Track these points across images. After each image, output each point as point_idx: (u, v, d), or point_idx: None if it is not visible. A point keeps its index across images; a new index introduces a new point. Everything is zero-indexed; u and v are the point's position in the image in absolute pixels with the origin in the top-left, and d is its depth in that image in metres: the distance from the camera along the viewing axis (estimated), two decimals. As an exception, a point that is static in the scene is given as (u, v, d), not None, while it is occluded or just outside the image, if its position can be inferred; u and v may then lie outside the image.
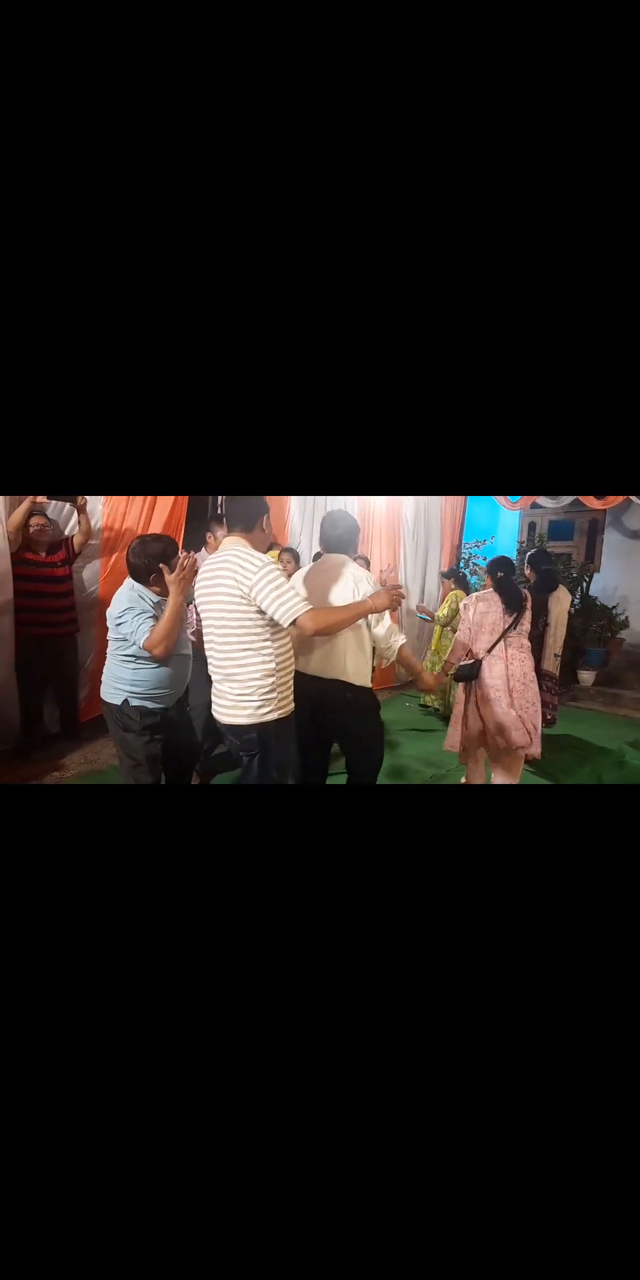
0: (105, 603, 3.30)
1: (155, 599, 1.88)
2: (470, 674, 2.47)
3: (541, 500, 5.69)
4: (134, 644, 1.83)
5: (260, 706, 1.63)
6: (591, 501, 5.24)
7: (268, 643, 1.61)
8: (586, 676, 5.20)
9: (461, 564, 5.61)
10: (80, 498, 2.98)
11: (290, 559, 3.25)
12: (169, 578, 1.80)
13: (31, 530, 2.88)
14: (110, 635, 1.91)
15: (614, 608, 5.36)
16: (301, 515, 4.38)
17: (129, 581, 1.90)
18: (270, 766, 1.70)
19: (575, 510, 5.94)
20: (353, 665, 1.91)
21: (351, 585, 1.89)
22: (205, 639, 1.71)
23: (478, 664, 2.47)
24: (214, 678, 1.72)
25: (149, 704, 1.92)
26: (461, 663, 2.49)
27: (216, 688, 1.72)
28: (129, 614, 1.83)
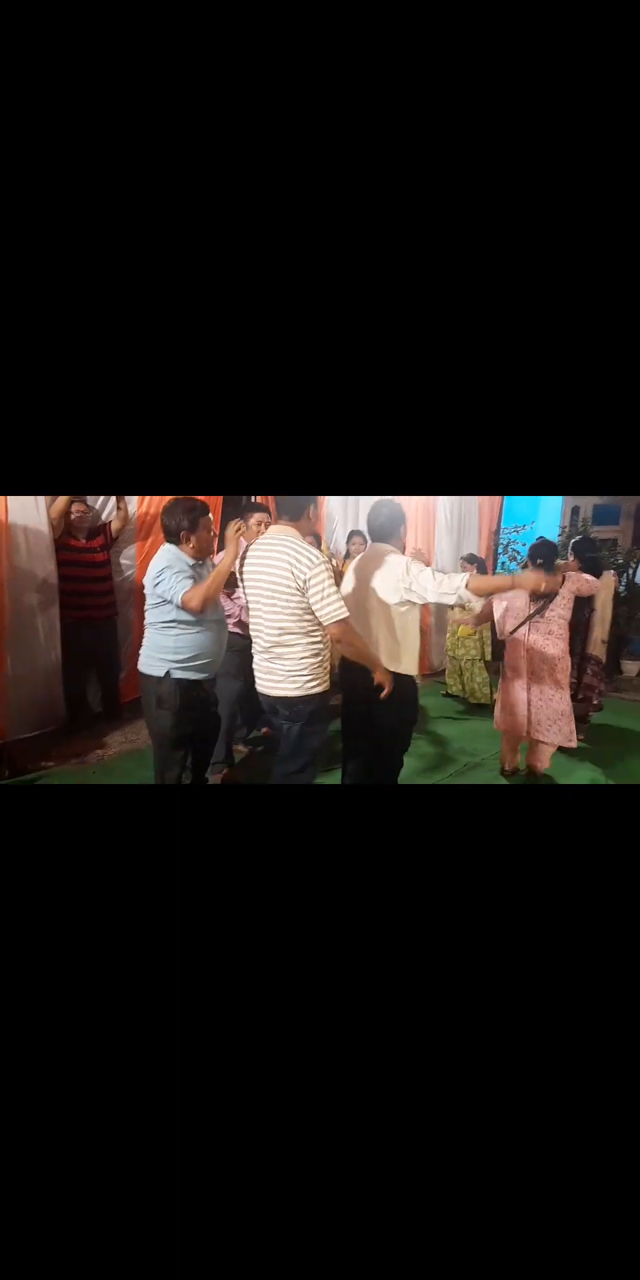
0: (142, 586, 3.39)
1: (190, 561, 1.91)
2: (496, 654, 2.54)
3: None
4: (172, 602, 1.84)
5: (309, 680, 1.78)
6: None
7: (317, 628, 1.76)
8: (631, 666, 5.00)
9: (500, 550, 5.47)
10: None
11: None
12: (229, 532, 1.87)
13: (73, 517, 2.98)
14: (148, 605, 1.95)
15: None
16: (341, 502, 4.39)
17: (165, 545, 1.94)
18: (313, 735, 1.82)
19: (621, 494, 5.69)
20: (385, 648, 1.92)
21: (390, 572, 1.94)
22: (252, 616, 1.83)
23: (501, 645, 2.55)
24: (258, 654, 1.84)
25: (191, 675, 1.93)
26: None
27: (262, 663, 1.83)
28: (167, 573, 1.84)
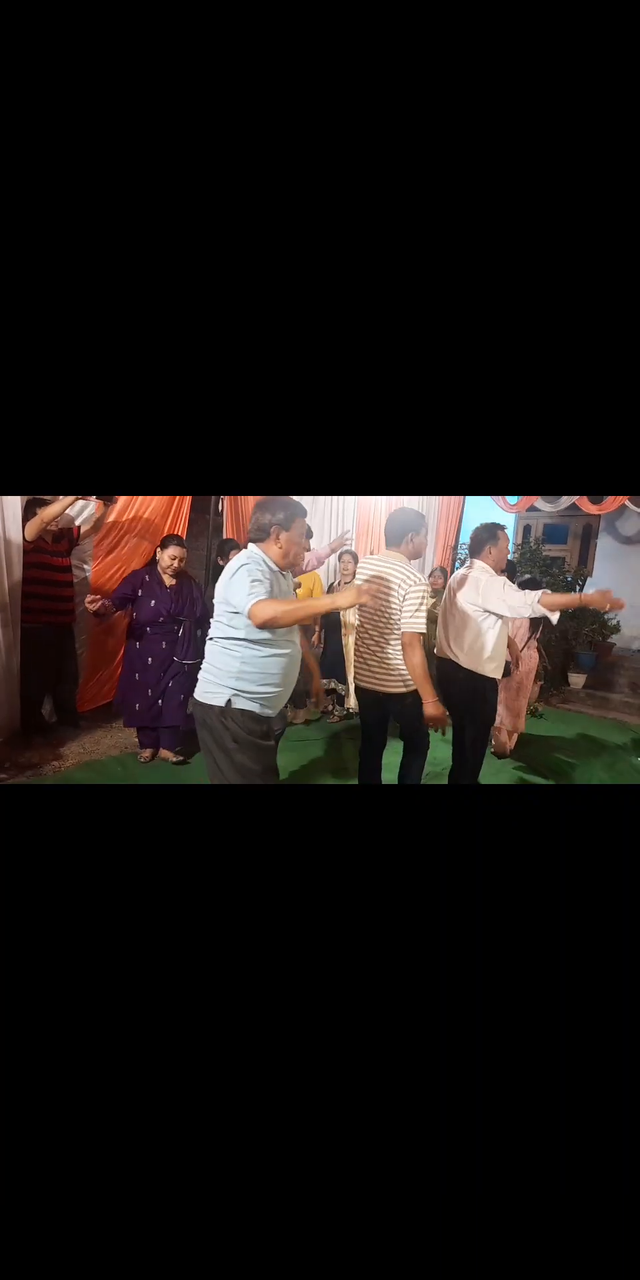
0: (97, 588, 3.25)
1: (274, 566, 1.66)
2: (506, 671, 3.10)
3: (539, 503, 5.76)
4: (238, 610, 1.56)
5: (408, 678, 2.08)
6: (586, 505, 5.31)
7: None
8: (577, 679, 5.29)
9: (458, 564, 5.66)
10: (112, 498, 3.13)
11: (351, 559, 3.75)
12: (353, 587, 1.72)
13: (53, 526, 2.88)
14: (216, 617, 1.65)
15: (605, 613, 5.45)
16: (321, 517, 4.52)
17: (249, 545, 1.69)
18: (422, 721, 2.07)
19: (570, 514, 6.01)
20: (472, 653, 2.36)
21: (473, 588, 2.32)
22: (361, 627, 2.18)
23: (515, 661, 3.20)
24: (368, 659, 2.16)
25: (256, 707, 1.61)
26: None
27: (367, 665, 2.17)
28: (243, 572, 1.57)
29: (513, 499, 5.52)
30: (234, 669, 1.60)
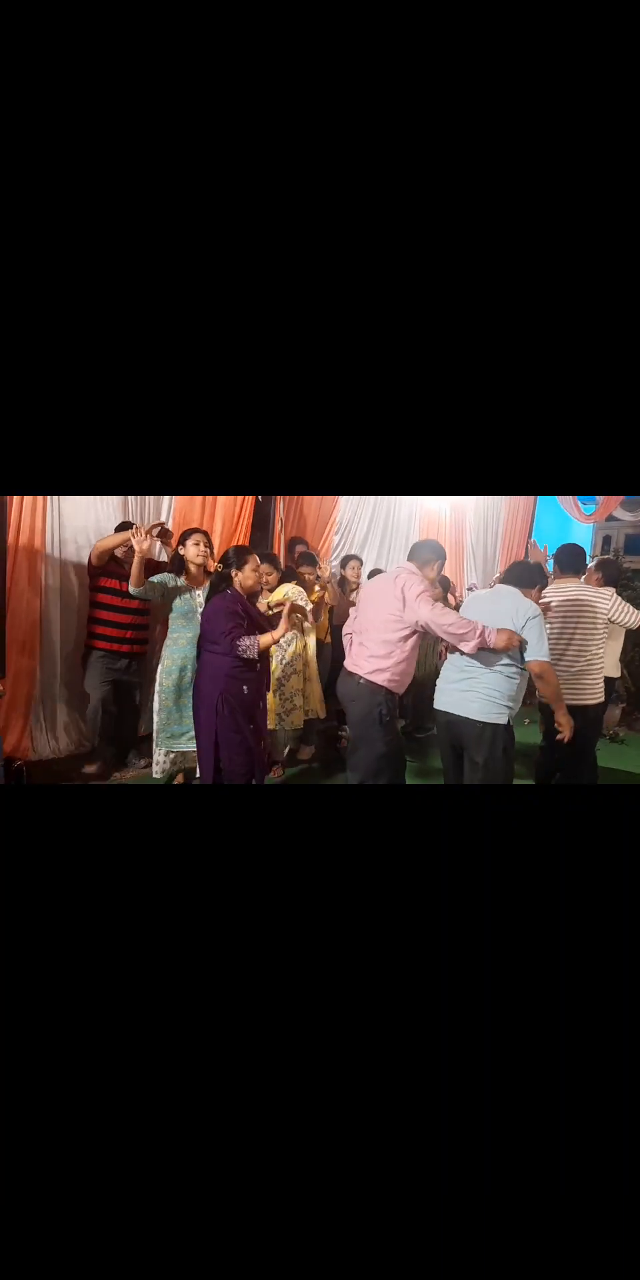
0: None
1: None
2: None
3: (618, 513, 5.35)
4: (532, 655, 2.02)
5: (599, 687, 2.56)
6: (674, 514, 4.86)
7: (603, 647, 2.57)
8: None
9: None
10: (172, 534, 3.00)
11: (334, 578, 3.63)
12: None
13: (120, 553, 2.89)
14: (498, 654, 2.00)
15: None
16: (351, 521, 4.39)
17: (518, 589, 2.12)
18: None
19: (655, 523, 5.54)
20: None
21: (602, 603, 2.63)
22: (566, 647, 2.53)
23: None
24: (569, 674, 2.49)
25: (509, 720, 2.04)
26: None
27: (567, 682, 2.45)
28: (538, 622, 1.99)
29: (588, 509, 5.16)
30: (511, 692, 2.01)
